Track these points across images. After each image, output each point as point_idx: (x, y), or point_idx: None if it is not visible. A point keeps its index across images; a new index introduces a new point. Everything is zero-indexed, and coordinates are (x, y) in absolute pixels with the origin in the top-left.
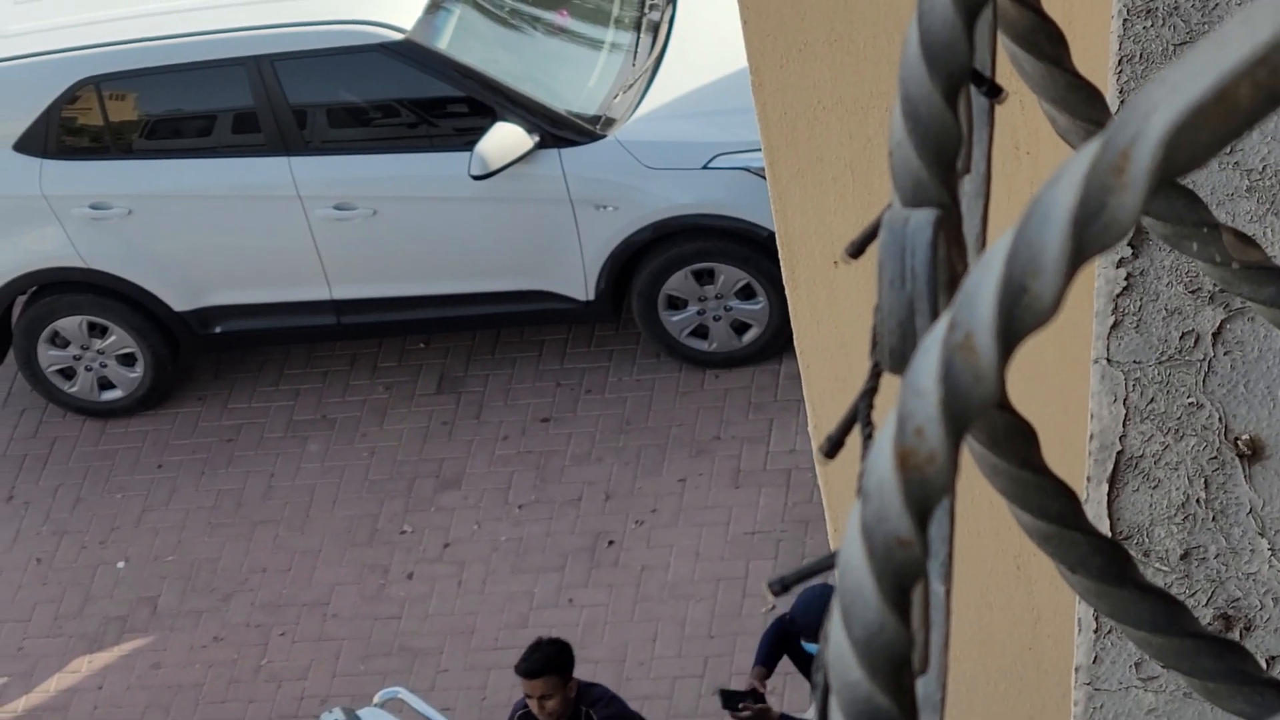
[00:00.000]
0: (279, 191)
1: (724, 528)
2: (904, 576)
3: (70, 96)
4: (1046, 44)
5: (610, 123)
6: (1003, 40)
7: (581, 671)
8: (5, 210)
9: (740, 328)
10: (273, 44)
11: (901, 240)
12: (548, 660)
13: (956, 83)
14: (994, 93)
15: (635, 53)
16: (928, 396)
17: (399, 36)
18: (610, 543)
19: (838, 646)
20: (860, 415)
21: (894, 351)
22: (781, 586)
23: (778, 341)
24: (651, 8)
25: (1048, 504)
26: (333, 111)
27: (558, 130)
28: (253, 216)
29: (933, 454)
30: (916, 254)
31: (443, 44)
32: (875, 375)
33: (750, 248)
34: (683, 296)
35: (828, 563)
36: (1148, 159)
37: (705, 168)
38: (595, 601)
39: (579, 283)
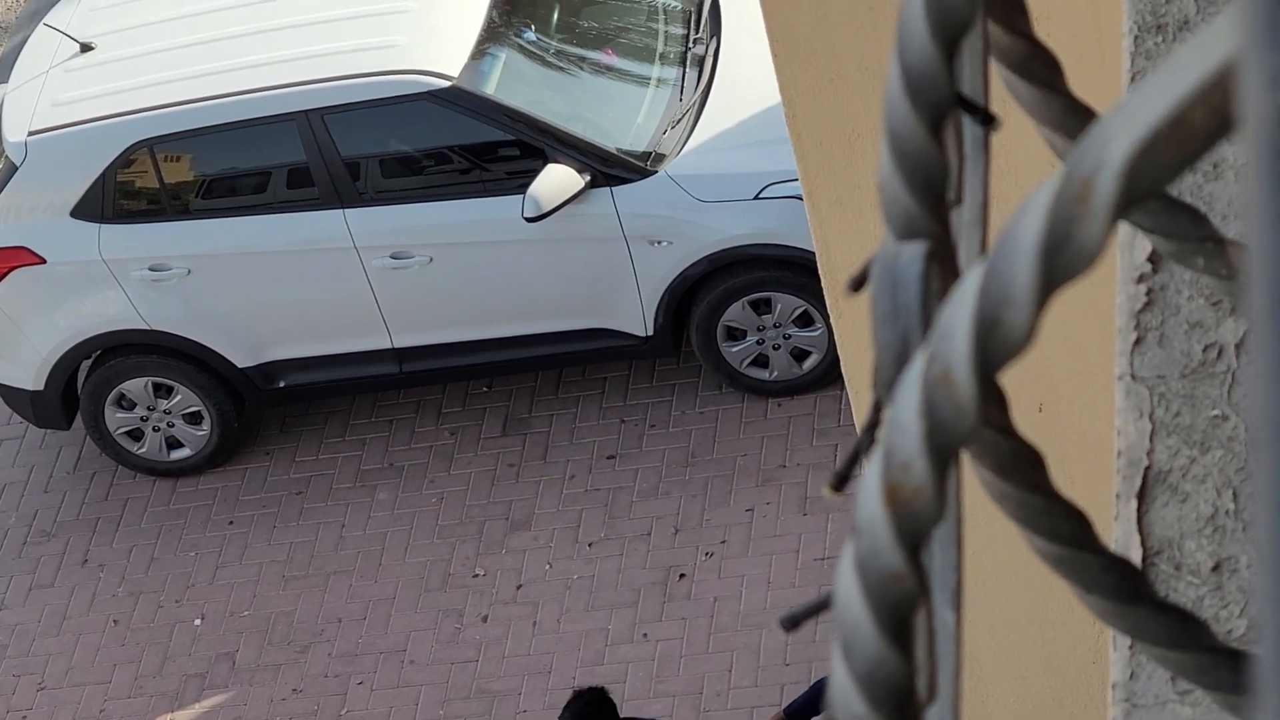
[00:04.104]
0: (335, 244)
1: (794, 555)
2: (900, 610)
3: (124, 161)
4: (1040, 69)
5: (660, 158)
6: (996, 68)
7: (659, 706)
8: (66, 276)
9: (800, 355)
10: (322, 98)
11: (893, 274)
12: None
13: (940, 114)
14: (988, 121)
15: (682, 87)
16: (910, 431)
17: (446, 84)
18: (681, 576)
19: (840, 683)
20: (865, 450)
21: (891, 386)
22: (792, 623)
23: (838, 367)
24: (696, 42)
25: (1058, 527)
26: (385, 162)
27: (609, 169)
28: (311, 270)
29: (919, 488)
30: (908, 288)
31: (490, 89)
32: (877, 410)
33: (805, 275)
34: (741, 327)
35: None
36: (1110, 186)
37: (757, 198)
38: (670, 635)
39: (637, 319)
